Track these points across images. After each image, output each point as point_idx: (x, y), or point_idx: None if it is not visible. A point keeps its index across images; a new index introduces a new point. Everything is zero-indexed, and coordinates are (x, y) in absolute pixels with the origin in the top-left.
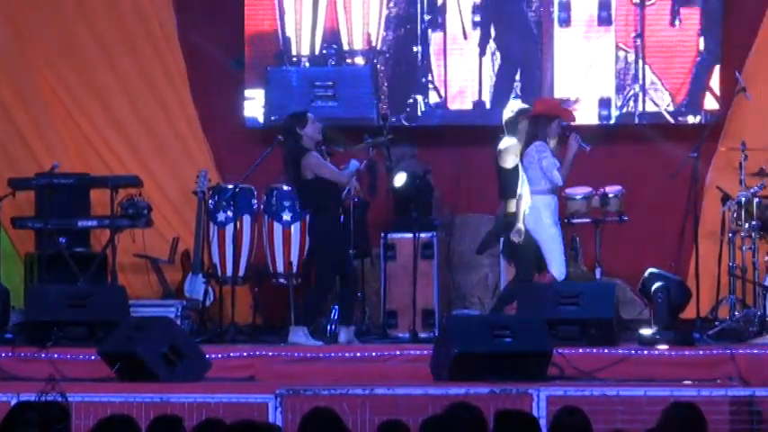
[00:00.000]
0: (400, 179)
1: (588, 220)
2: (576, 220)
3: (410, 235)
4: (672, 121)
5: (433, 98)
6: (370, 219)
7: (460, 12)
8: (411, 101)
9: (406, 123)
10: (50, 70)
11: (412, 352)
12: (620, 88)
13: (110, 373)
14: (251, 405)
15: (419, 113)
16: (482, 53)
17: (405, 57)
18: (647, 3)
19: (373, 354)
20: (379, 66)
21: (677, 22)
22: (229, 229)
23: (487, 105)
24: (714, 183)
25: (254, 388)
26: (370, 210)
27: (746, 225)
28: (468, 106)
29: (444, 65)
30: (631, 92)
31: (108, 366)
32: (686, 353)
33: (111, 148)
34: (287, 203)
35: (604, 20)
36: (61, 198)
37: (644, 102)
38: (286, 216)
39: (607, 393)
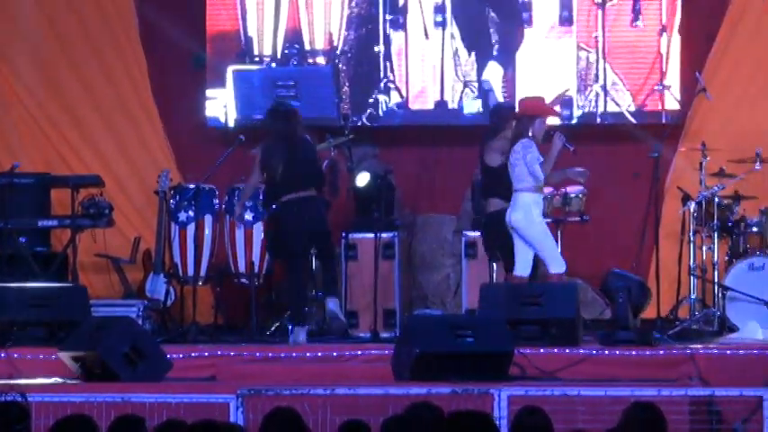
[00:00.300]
0: (363, 179)
1: (549, 219)
2: None
3: (371, 235)
4: (633, 121)
5: (395, 98)
6: (332, 219)
7: (422, 12)
8: (372, 101)
9: (368, 123)
10: (10, 69)
11: (373, 352)
12: (581, 88)
13: (70, 373)
14: (212, 405)
15: (381, 113)
16: (443, 53)
17: (366, 57)
18: (609, 3)
19: (334, 354)
20: (340, 66)
21: (638, 22)
22: (191, 228)
23: (449, 105)
24: (675, 183)
25: (215, 388)
26: (331, 210)
27: (707, 225)
28: (430, 106)
29: (406, 65)
30: (593, 92)
31: (69, 366)
32: (647, 353)
33: (73, 147)
34: (248, 203)
35: (566, 20)
36: (22, 197)
37: (605, 102)
38: (248, 216)
39: (568, 393)
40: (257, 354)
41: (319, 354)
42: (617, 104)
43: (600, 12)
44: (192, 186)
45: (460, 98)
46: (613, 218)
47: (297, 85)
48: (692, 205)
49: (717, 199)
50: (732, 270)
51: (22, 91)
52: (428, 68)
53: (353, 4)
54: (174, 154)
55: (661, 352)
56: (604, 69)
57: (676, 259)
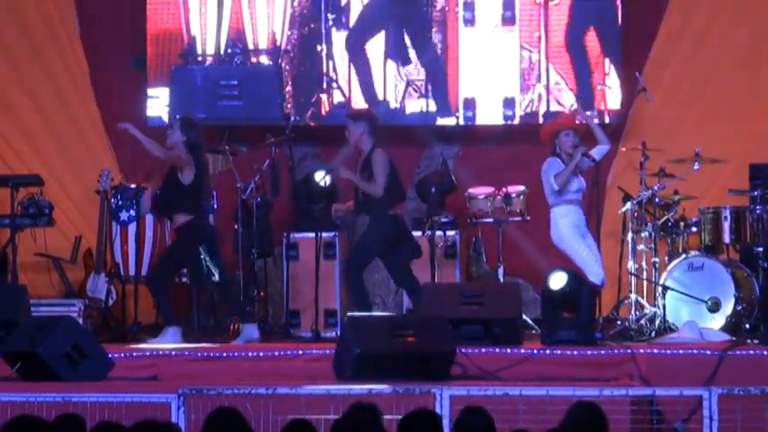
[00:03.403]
0: (319, 175)
1: (491, 219)
2: (478, 220)
3: (312, 235)
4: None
5: (337, 97)
6: (273, 218)
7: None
8: (315, 100)
9: (311, 123)
10: None
11: (315, 351)
12: (524, 88)
13: (10, 372)
14: (154, 405)
15: (323, 113)
16: (386, 53)
17: (309, 56)
18: (551, 2)
19: (276, 353)
20: (283, 65)
21: None
22: (132, 228)
23: (391, 105)
24: (615, 183)
25: (156, 387)
26: (273, 209)
27: (647, 225)
28: (372, 106)
29: (348, 64)
30: (535, 92)
31: (8, 366)
32: (588, 352)
33: (12, 146)
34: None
35: (508, 20)
36: None
37: (548, 101)
38: None
39: (510, 393)
40: (199, 353)
41: (261, 353)
42: (560, 104)
43: (542, 12)
44: (133, 186)
45: (403, 98)
46: None
47: (240, 84)
48: (633, 205)
49: (657, 199)
50: (672, 270)
51: None
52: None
53: (296, 3)
54: (115, 153)
55: (602, 352)
56: (547, 69)
57: (617, 259)
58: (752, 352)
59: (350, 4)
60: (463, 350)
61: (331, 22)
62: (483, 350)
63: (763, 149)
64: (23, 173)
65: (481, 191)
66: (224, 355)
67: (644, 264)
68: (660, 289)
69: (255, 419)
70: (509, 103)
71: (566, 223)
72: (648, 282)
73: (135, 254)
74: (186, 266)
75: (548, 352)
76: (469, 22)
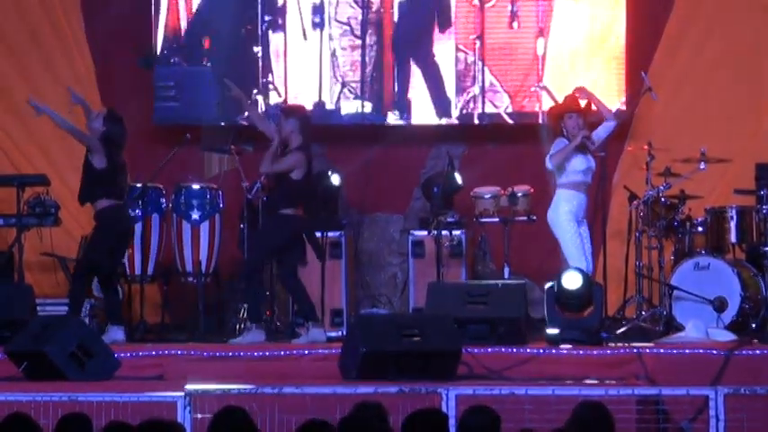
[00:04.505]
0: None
1: (497, 219)
2: (484, 219)
3: (318, 234)
4: (510, 122)
5: (274, 98)
6: None
7: (300, 13)
8: (251, 102)
9: (246, 124)
10: None
11: (321, 351)
12: (459, 90)
13: (16, 372)
14: (160, 404)
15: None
16: (321, 54)
17: (245, 57)
18: (487, 5)
19: (282, 353)
20: (220, 66)
21: (515, 24)
22: (138, 227)
23: (327, 106)
24: (621, 182)
25: (163, 387)
26: None
27: (653, 224)
28: (309, 107)
29: (284, 65)
30: (471, 93)
31: (15, 366)
32: (594, 352)
33: (18, 146)
34: (196, 202)
35: (444, 22)
36: None
37: (483, 103)
38: (195, 215)
39: (516, 392)
40: (205, 353)
41: (267, 353)
42: (495, 106)
43: (479, 13)
44: (138, 185)
45: (338, 99)
46: None
47: (176, 85)
48: (639, 204)
49: (663, 198)
50: (678, 269)
51: None
52: (306, 69)
53: (233, 5)
54: None
55: (608, 351)
56: (482, 71)
57: (623, 258)
58: (758, 351)
59: (286, 5)
60: (469, 349)
61: (267, 24)
62: (489, 349)
63: None
64: (30, 172)
65: (487, 190)
66: (230, 354)
67: (650, 263)
68: (666, 288)
69: (262, 419)
70: (445, 104)
71: (566, 210)
72: (655, 281)
73: (141, 253)
74: (98, 251)
75: (554, 351)
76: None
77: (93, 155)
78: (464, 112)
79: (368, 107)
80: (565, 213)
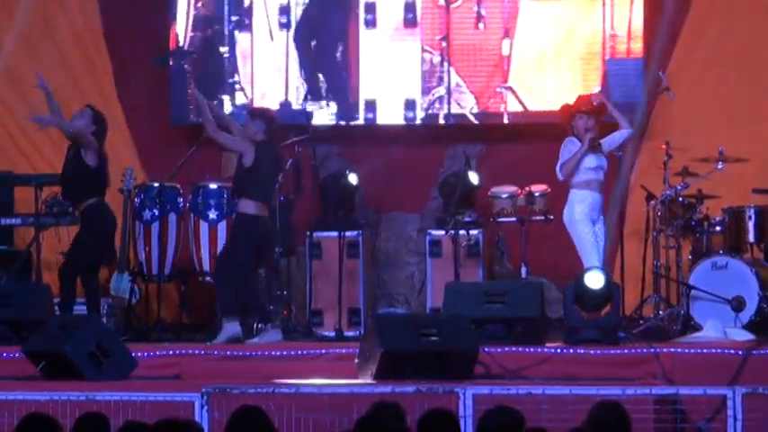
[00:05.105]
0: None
1: (514, 218)
2: (501, 219)
3: (335, 234)
4: (476, 122)
5: (240, 99)
6: (296, 217)
7: (267, 13)
8: (217, 102)
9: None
10: None
11: (338, 350)
12: (425, 90)
13: (34, 371)
14: (177, 404)
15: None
16: (288, 54)
17: (212, 57)
18: (453, 5)
19: (299, 352)
20: (186, 66)
21: (481, 25)
22: (155, 227)
23: (293, 106)
24: (638, 182)
25: (180, 386)
26: (295, 208)
27: (670, 224)
28: (275, 107)
29: (251, 66)
30: (436, 94)
31: (33, 365)
32: (611, 352)
33: (36, 146)
34: (213, 202)
35: (410, 22)
36: None
37: (449, 103)
38: (212, 214)
39: (533, 392)
40: (223, 352)
41: (284, 352)
42: (460, 107)
43: (444, 14)
44: (156, 185)
45: (305, 99)
46: None
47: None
48: (656, 204)
49: (680, 198)
50: (696, 269)
51: None
52: (273, 69)
53: (200, 4)
54: (138, 152)
55: (626, 351)
56: (448, 72)
57: (641, 258)
58: None
59: (253, 5)
60: (486, 349)
61: (234, 24)
62: (506, 349)
63: None
64: (47, 172)
65: (504, 190)
66: (247, 354)
67: (667, 263)
68: (684, 288)
69: (279, 418)
70: (410, 104)
71: (580, 210)
72: (672, 281)
73: (158, 253)
74: (87, 249)
75: (571, 351)
76: (371, 24)
77: (88, 153)
78: (429, 112)
79: (333, 107)
80: (579, 213)
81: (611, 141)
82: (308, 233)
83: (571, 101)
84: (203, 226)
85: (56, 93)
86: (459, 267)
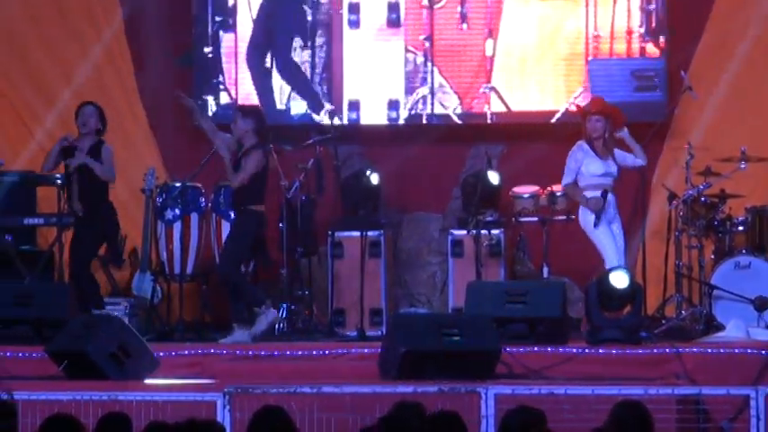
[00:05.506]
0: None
1: (536, 218)
2: (523, 219)
3: (358, 233)
4: (459, 122)
5: (224, 99)
6: (318, 217)
7: (251, 13)
8: (201, 102)
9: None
10: None
11: (360, 350)
12: (409, 90)
13: (57, 371)
14: (199, 403)
15: (210, 114)
16: (272, 56)
17: (196, 58)
18: (437, 5)
19: (321, 352)
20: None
21: (465, 25)
22: (177, 226)
23: (277, 106)
24: (660, 181)
25: (202, 386)
26: (317, 208)
27: (693, 224)
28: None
29: (235, 66)
30: (420, 94)
31: (55, 365)
32: (633, 351)
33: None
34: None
35: (393, 22)
36: (7, 195)
37: (432, 104)
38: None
39: (555, 392)
40: (245, 352)
41: (306, 352)
42: (443, 107)
43: (428, 14)
44: (178, 184)
45: (288, 99)
46: None
47: None
48: (678, 204)
49: (703, 197)
50: (718, 269)
51: (6, 88)
52: None
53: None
54: (160, 152)
55: (648, 351)
56: (432, 72)
57: (663, 258)
58: None
59: (237, 5)
60: (508, 349)
61: (218, 25)
62: (528, 349)
63: None
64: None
65: (526, 189)
66: (269, 353)
67: (690, 262)
68: (707, 288)
69: (300, 418)
70: (393, 104)
71: (591, 212)
72: (695, 281)
73: (180, 252)
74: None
75: (593, 351)
76: (354, 24)
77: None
78: (413, 112)
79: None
80: (591, 215)
81: (622, 158)
82: (329, 233)
83: (554, 101)
84: (225, 225)
85: (78, 92)
86: (480, 267)
